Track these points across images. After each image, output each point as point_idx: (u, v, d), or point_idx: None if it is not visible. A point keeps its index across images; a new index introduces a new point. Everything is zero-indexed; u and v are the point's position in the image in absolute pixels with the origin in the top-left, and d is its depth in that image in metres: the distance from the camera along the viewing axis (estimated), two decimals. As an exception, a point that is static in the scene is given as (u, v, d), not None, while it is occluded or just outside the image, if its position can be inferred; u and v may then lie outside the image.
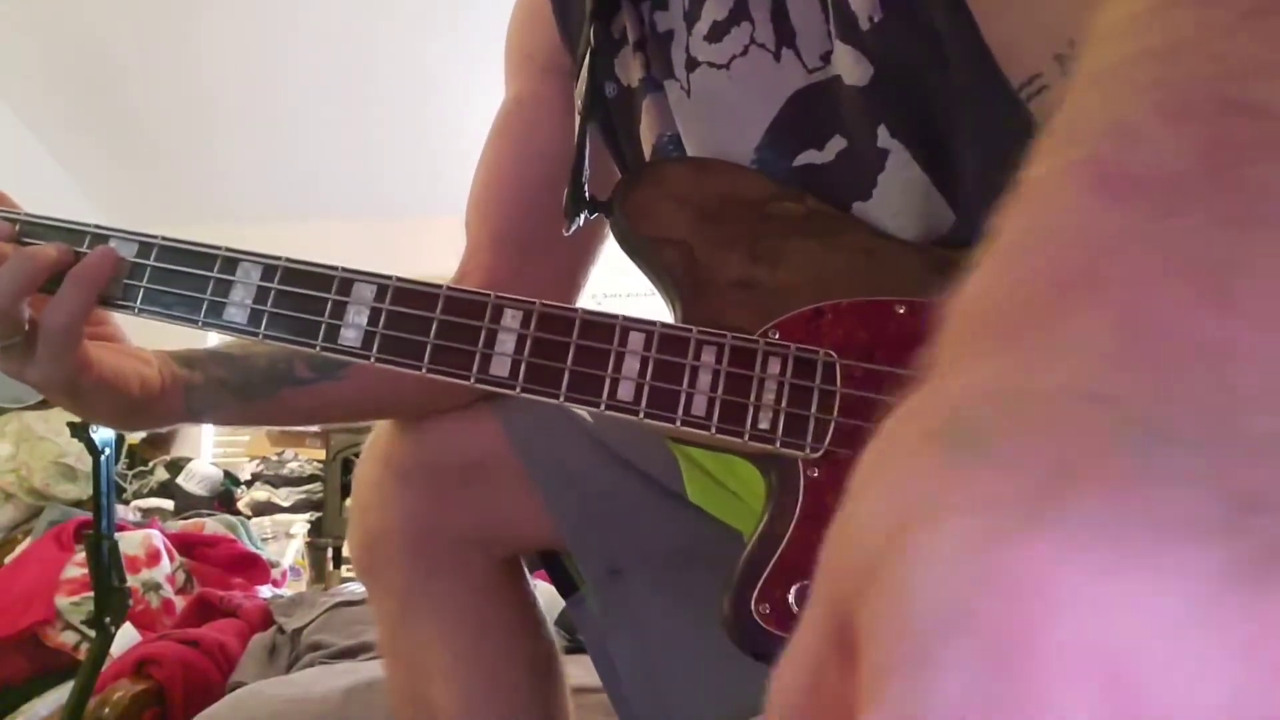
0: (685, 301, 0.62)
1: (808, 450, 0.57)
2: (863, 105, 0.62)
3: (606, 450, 0.83)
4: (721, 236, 0.62)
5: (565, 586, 0.86)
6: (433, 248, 1.78)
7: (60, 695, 1.56)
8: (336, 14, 3.09)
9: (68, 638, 1.75)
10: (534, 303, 0.61)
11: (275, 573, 2.34)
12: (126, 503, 2.74)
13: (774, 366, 0.58)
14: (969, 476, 0.16)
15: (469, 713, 0.80)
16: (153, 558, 1.97)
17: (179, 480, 2.92)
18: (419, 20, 3.07)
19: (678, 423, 0.58)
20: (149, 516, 2.49)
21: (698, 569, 0.76)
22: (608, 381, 0.59)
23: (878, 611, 0.16)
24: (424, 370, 0.61)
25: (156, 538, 2.02)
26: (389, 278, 0.63)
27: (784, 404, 0.58)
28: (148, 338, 0.68)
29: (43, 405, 1.85)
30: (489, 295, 0.62)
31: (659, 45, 0.71)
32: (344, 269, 0.63)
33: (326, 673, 1.41)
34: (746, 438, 0.58)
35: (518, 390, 0.60)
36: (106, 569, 1.25)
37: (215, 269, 0.64)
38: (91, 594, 1.31)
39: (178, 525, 2.45)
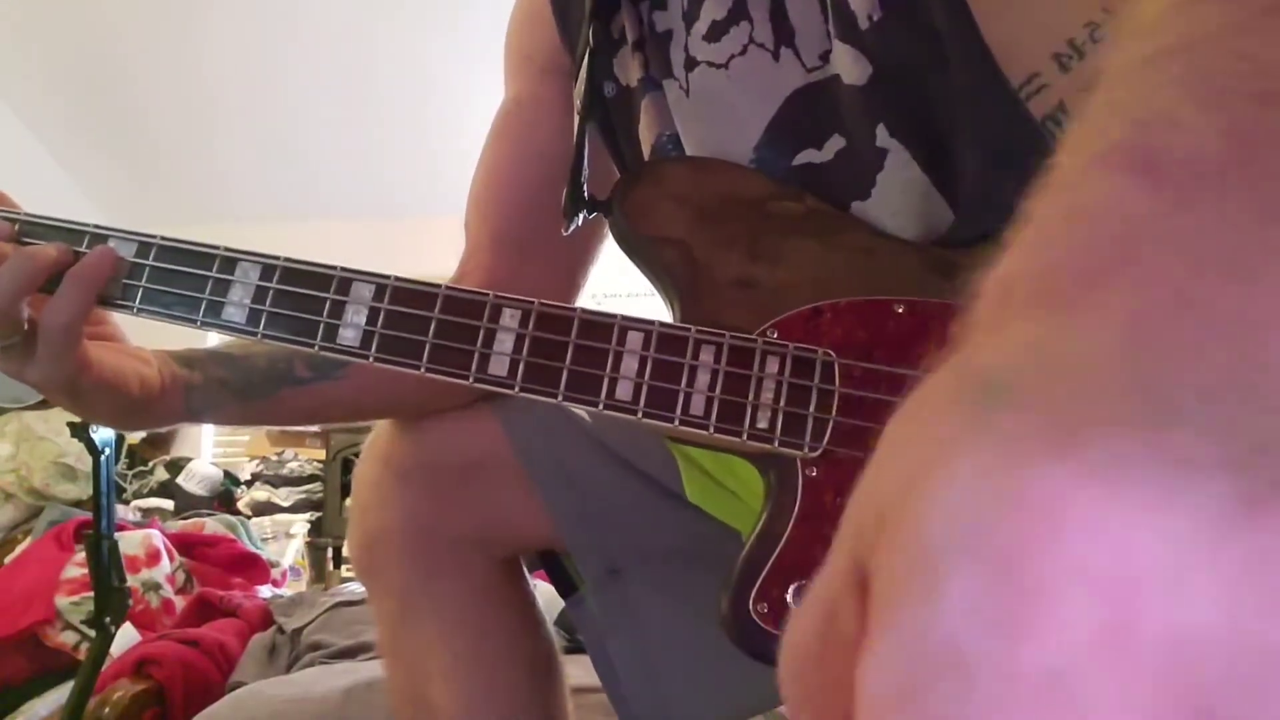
0: (684, 301, 0.62)
1: (806, 449, 0.57)
2: (862, 104, 0.62)
3: (606, 450, 0.83)
4: (721, 236, 0.62)
5: (565, 586, 0.86)
6: (433, 248, 1.78)
7: (60, 695, 1.56)
8: (336, 14, 3.09)
9: (68, 638, 1.75)
10: (532, 302, 0.61)
11: (275, 573, 2.34)
12: (126, 503, 2.75)
13: (772, 365, 0.58)
14: (991, 421, 0.17)
15: (469, 713, 0.80)
16: (153, 558, 1.97)
17: (179, 480, 2.92)
18: (419, 20, 3.07)
19: (676, 422, 0.58)
20: (149, 516, 2.49)
21: (697, 569, 0.76)
22: (606, 381, 0.59)
23: (891, 542, 0.16)
24: (422, 370, 0.61)
25: (156, 538, 2.02)
26: (387, 277, 0.63)
27: (782, 403, 0.58)
28: (147, 338, 0.68)
29: (43, 405, 1.86)
30: (487, 295, 0.62)
31: (658, 45, 0.71)
32: (342, 268, 0.63)
33: (326, 673, 1.41)
34: (745, 437, 0.58)
35: (516, 390, 0.60)
36: (106, 569, 1.25)
37: (214, 269, 0.64)
38: (91, 594, 1.31)
39: (178, 525, 2.45)
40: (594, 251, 0.85)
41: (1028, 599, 0.14)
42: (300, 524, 3.05)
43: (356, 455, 0.91)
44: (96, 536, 1.25)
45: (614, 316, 0.60)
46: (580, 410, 0.73)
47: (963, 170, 0.60)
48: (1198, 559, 0.15)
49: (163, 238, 0.65)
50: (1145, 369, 0.17)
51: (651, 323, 0.60)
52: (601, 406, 0.60)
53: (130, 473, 2.98)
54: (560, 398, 0.60)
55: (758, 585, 0.56)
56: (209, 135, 3.57)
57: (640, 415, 0.59)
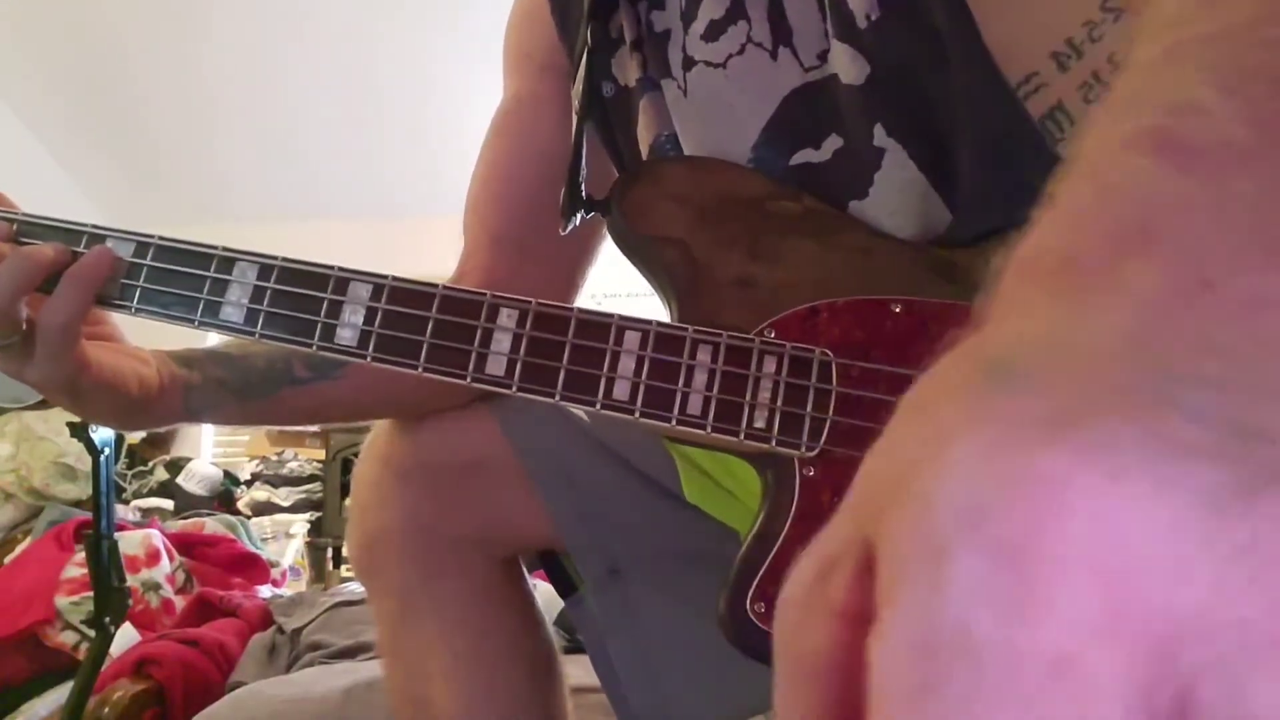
0: (682, 300, 0.62)
1: (803, 449, 0.57)
2: (859, 104, 0.62)
3: (605, 450, 0.83)
4: (719, 235, 0.62)
5: (564, 586, 0.86)
6: (433, 248, 1.77)
7: (60, 695, 1.56)
8: (337, 14, 3.09)
9: (67, 638, 1.75)
10: (530, 302, 0.61)
11: (275, 572, 2.34)
12: (126, 503, 2.75)
13: (769, 365, 0.58)
14: (999, 403, 0.17)
15: (469, 713, 0.80)
16: (152, 557, 1.97)
17: (179, 480, 2.92)
18: (419, 20, 3.07)
19: (673, 422, 0.58)
20: (149, 516, 2.49)
21: (696, 569, 0.76)
22: (603, 381, 0.59)
23: (899, 519, 0.16)
24: (420, 369, 0.61)
25: (156, 537, 2.02)
26: (385, 277, 0.63)
27: (779, 403, 0.58)
28: (146, 338, 0.68)
29: (43, 405, 1.85)
30: (485, 294, 0.62)
31: (656, 44, 0.71)
32: (340, 268, 0.63)
33: (326, 673, 1.41)
34: (742, 436, 0.58)
35: (514, 389, 0.60)
36: (106, 569, 1.25)
37: (212, 269, 0.64)
38: (91, 594, 1.31)
39: (177, 525, 2.45)
40: (593, 251, 0.85)
41: (1030, 582, 0.15)
42: (300, 524, 3.05)
43: (356, 455, 0.91)
44: (96, 536, 1.25)
45: (611, 316, 0.60)
46: (578, 410, 0.73)
47: (960, 170, 0.60)
48: (1187, 543, 0.15)
49: (160, 237, 0.65)
50: (1151, 357, 0.17)
51: (649, 322, 0.60)
52: (599, 406, 0.60)
53: (130, 473, 2.98)
54: (558, 397, 0.60)
55: (755, 585, 0.56)
56: (209, 135, 3.58)
57: (638, 415, 0.59)
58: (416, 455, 0.81)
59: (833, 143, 0.64)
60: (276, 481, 3.19)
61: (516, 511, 0.82)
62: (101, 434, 1.19)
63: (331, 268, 0.63)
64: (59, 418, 2.21)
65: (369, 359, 0.62)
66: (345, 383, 0.76)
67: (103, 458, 1.22)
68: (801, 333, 0.59)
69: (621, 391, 0.59)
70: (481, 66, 1.73)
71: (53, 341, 0.62)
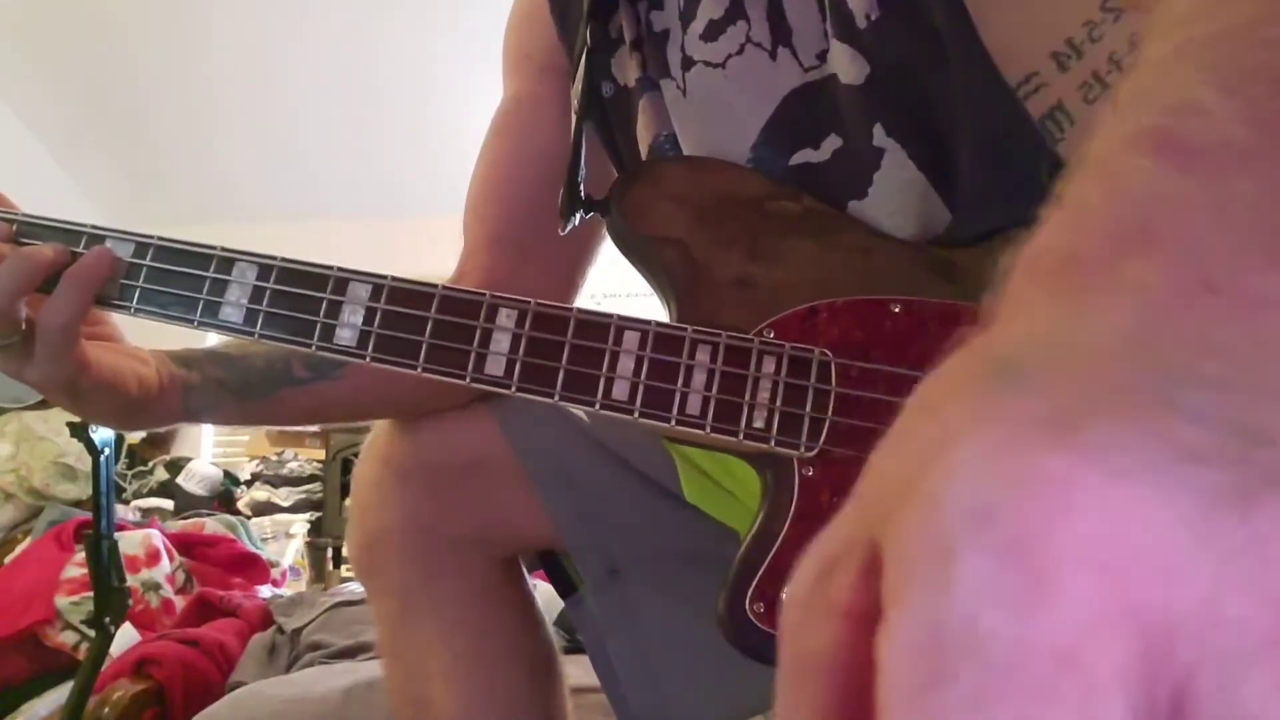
0: (681, 300, 0.62)
1: (803, 449, 0.57)
2: (859, 104, 0.62)
3: (604, 450, 0.83)
4: (718, 235, 0.62)
5: (564, 586, 0.86)
6: (433, 248, 1.77)
7: (60, 695, 1.56)
8: (337, 14, 3.09)
9: (67, 638, 1.75)
10: (529, 302, 0.61)
11: (275, 572, 2.34)
12: (126, 503, 2.75)
13: (769, 365, 0.58)
14: (1005, 403, 0.17)
15: (469, 713, 0.80)
16: (152, 557, 1.97)
17: (179, 480, 2.92)
18: (419, 20, 3.07)
19: (672, 422, 0.58)
20: (149, 516, 2.49)
21: (696, 569, 0.76)
22: (603, 381, 0.59)
23: (906, 519, 0.17)
24: (419, 370, 0.61)
25: (156, 537, 2.02)
26: (384, 277, 0.63)
27: (779, 403, 0.58)
28: (145, 338, 0.68)
29: (43, 405, 1.85)
30: (484, 294, 0.62)
31: (655, 44, 0.71)
32: (339, 268, 0.63)
33: (326, 673, 1.41)
34: (741, 436, 0.58)
35: (513, 389, 0.60)
36: (106, 569, 1.25)
37: (211, 269, 0.64)
38: (91, 594, 1.31)
39: (177, 525, 2.45)
40: (593, 251, 0.85)
41: (1035, 581, 0.15)
42: (300, 524, 3.05)
43: (356, 455, 0.91)
44: (96, 536, 1.25)
45: (610, 316, 0.60)
46: (577, 410, 0.73)
47: (960, 170, 0.60)
48: (1187, 544, 0.15)
49: (160, 238, 0.65)
50: (1151, 357, 0.17)
51: (648, 322, 0.60)
52: (598, 406, 0.60)
53: (130, 473, 2.98)
54: (557, 397, 0.60)
55: (754, 585, 0.56)
56: (209, 135, 3.58)
57: (637, 415, 0.59)
58: (416, 455, 0.81)
59: (832, 143, 0.64)
60: (276, 481, 3.19)
61: (516, 512, 0.82)
62: (101, 434, 1.19)
63: (331, 268, 0.63)
64: (59, 418, 2.21)
65: (368, 359, 0.62)
66: (345, 383, 0.76)
67: (103, 458, 1.22)
68: (801, 333, 0.59)
69: (621, 391, 0.59)
70: (481, 66, 1.72)
71: (52, 341, 0.62)
